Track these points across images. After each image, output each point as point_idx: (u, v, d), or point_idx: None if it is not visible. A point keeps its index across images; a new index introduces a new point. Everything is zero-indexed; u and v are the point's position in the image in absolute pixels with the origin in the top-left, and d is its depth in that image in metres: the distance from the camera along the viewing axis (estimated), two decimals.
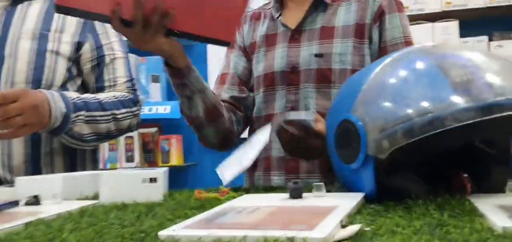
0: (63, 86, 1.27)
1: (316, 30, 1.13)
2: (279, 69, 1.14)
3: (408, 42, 1.12)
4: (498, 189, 0.72)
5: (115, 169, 3.08)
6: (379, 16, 1.12)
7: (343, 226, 0.51)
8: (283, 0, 1.20)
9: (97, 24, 1.31)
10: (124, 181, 0.82)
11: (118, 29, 0.90)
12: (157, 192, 0.82)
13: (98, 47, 1.31)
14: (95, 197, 0.89)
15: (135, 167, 3.09)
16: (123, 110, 1.26)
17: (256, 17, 1.25)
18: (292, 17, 1.16)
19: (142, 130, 3.13)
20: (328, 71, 1.10)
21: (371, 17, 1.12)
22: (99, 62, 1.31)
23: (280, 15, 1.18)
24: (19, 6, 1.31)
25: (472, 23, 2.61)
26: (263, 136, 0.95)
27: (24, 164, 1.25)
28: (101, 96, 1.25)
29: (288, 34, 1.15)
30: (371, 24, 1.12)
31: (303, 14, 1.14)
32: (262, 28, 1.21)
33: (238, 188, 1.00)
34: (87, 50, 1.30)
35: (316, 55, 1.11)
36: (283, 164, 1.12)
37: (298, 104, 1.12)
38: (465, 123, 0.57)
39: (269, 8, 1.22)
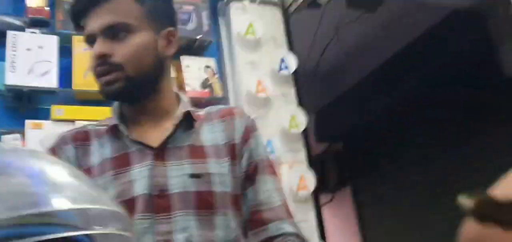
0: None
1: (183, 148, 0.99)
2: (141, 193, 0.93)
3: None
4: None
5: None
6: (246, 138, 1.06)
7: None
8: (126, 117, 1.03)
9: None
10: None
11: None
12: None
13: None
14: None
15: None
16: None
17: (82, 138, 1.03)
18: (150, 135, 1.00)
19: None
20: (208, 195, 0.96)
21: (239, 137, 1.06)
22: None
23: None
24: None
25: None
26: None
27: None
28: None
29: (147, 153, 0.97)
30: (240, 145, 1.05)
31: (168, 132, 0.99)
32: (102, 150, 1.00)
33: None
34: None
35: (193, 176, 0.96)
36: None
37: (172, 237, 0.92)
38: None
39: (102, 126, 1.03)
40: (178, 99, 1.08)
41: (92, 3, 0.97)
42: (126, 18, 0.97)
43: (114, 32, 0.96)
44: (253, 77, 1.99)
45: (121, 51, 0.96)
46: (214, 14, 2.13)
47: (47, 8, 1.68)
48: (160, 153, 0.99)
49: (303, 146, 2.02)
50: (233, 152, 1.04)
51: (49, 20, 1.68)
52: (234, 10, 2.11)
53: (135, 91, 0.99)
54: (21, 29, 1.63)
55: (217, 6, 2.15)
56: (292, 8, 2.34)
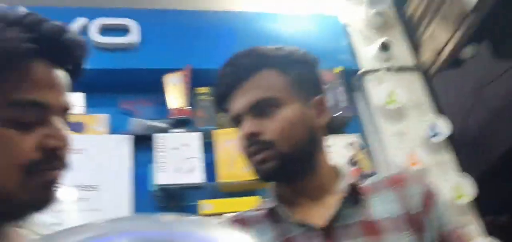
0: None
1: (354, 226, 0.88)
2: None
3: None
4: None
5: None
6: (428, 207, 0.90)
7: None
8: (284, 198, 0.94)
9: None
10: None
11: None
12: None
13: None
14: None
15: None
16: None
17: (255, 221, 0.96)
18: (313, 215, 0.91)
19: None
20: None
21: (419, 206, 0.90)
22: None
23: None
24: None
25: None
26: None
27: None
28: None
29: (314, 236, 0.88)
30: (421, 214, 0.89)
31: (333, 209, 0.89)
32: (263, 237, 0.91)
33: None
34: None
35: None
36: None
37: None
38: None
39: (259, 211, 0.96)
40: (336, 172, 0.96)
41: (235, 82, 0.92)
42: (272, 92, 0.91)
43: (262, 108, 0.90)
44: (402, 148, 1.81)
45: (271, 127, 0.89)
46: (348, 90, 2.03)
47: (187, 108, 1.72)
48: (329, 233, 0.87)
49: (475, 217, 1.73)
50: (413, 223, 0.88)
51: (191, 118, 1.71)
52: (370, 82, 1.99)
53: (290, 168, 0.90)
54: (165, 131, 1.67)
55: (351, 81, 2.05)
56: (432, 70, 2.15)
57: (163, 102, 1.75)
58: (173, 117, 1.69)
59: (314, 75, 0.99)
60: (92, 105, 1.75)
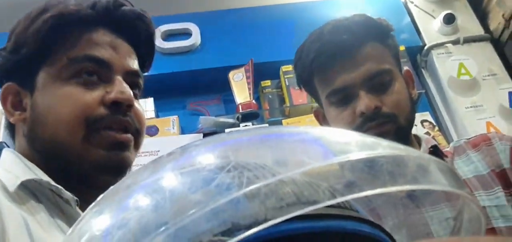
0: None
1: None
2: None
3: None
4: None
5: None
6: None
7: None
8: None
9: None
10: None
11: None
12: None
13: None
14: None
15: None
16: None
17: None
18: None
19: None
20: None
21: (508, 161, 0.85)
22: None
23: None
24: None
25: None
26: None
27: None
28: None
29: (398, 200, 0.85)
30: (510, 169, 0.84)
31: None
32: None
33: None
34: None
35: None
36: None
37: None
38: None
39: None
40: (418, 141, 0.94)
41: (342, 52, 0.85)
42: (386, 65, 0.86)
43: (377, 81, 0.85)
44: (478, 121, 1.72)
45: (390, 100, 0.84)
46: (414, 68, 1.96)
47: (253, 101, 1.74)
48: (413, 197, 0.85)
49: None
50: (504, 179, 0.83)
51: (258, 111, 1.73)
52: (438, 57, 1.92)
53: (403, 141, 0.87)
54: (234, 125, 1.70)
55: (416, 59, 1.99)
56: (503, 38, 2.04)
57: (230, 99, 1.78)
58: (241, 112, 1.72)
59: (397, 45, 0.96)
60: (162, 109, 1.82)
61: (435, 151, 0.89)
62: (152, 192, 0.26)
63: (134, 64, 0.70)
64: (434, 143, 0.91)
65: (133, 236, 0.23)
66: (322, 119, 0.96)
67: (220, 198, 0.22)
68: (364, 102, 0.83)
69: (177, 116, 1.75)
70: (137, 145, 0.68)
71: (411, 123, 0.88)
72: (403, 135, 0.86)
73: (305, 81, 0.94)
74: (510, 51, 2.04)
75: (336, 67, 0.85)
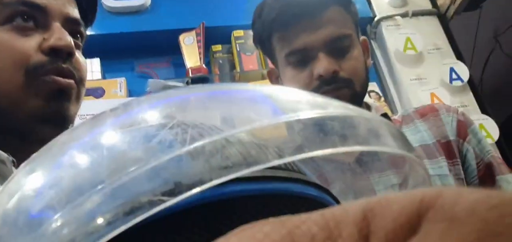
0: None
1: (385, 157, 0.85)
2: None
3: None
4: None
5: None
6: (463, 135, 0.89)
7: None
8: None
9: None
10: None
11: None
12: None
13: None
14: None
15: None
16: None
17: None
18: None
19: None
20: None
21: (453, 133, 0.88)
22: None
23: None
24: None
25: None
26: None
27: None
28: None
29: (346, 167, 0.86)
30: (456, 142, 0.87)
31: None
32: None
33: None
34: None
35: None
36: None
37: None
38: None
39: None
40: (368, 108, 0.95)
41: (305, 13, 0.84)
42: (347, 30, 0.87)
43: (337, 45, 0.85)
44: (423, 92, 1.78)
45: (347, 66, 0.85)
46: None
47: (203, 66, 1.71)
48: (361, 164, 0.87)
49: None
50: (448, 150, 0.86)
51: (208, 75, 1.70)
52: (387, 29, 1.95)
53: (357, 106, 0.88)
54: None
55: (366, 30, 2.02)
56: (449, 14, 2.10)
57: (179, 63, 1.74)
58: (190, 76, 1.69)
59: (358, 15, 0.96)
60: (109, 71, 1.75)
61: (385, 118, 0.91)
62: (88, 149, 0.24)
63: (74, 12, 0.67)
64: (384, 111, 0.93)
65: (66, 195, 0.21)
66: (275, 80, 0.95)
67: (161, 155, 0.20)
68: (323, 65, 0.83)
69: (124, 78, 1.70)
70: (78, 96, 0.65)
71: (365, 90, 0.90)
72: (358, 101, 0.87)
73: (263, 40, 0.93)
74: (455, 27, 2.11)
75: (298, 26, 0.85)
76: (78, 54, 0.65)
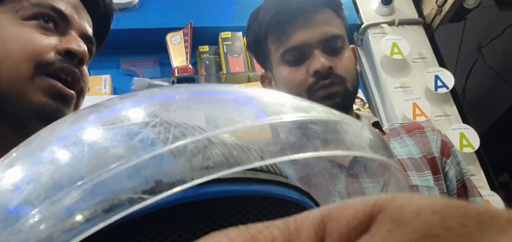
0: None
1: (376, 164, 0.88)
2: None
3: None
4: None
5: None
6: (446, 154, 0.93)
7: None
8: None
9: None
10: None
11: None
12: None
13: None
14: None
15: None
16: None
17: None
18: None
19: None
20: None
21: (438, 151, 0.93)
22: None
23: None
24: None
25: None
26: None
27: None
28: None
29: (339, 171, 0.90)
30: (439, 159, 0.92)
31: None
32: None
33: None
34: None
35: None
36: None
37: None
38: None
39: None
40: (358, 117, 0.98)
41: (301, 12, 0.88)
42: (341, 31, 0.91)
43: (332, 44, 0.89)
44: (406, 100, 1.80)
45: (341, 64, 0.88)
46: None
47: (190, 66, 1.71)
48: (353, 170, 0.88)
49: (481, 168, 1.74)
50: (433, 166, 0.89)
51: (194, 76, 1.70)
52: (373, 36, 1.97)
53: (347, 107, 0.91)
54: None
55: (353, 37, 2.03)
56: (434, 24, 2.13)
57: (166, 62, 1.73)
58: (176, 76, 1.68)
59: (347, 22, 0.99)
60: (94, 67, 1.73)
61: (377, 126, 0.93)
62: (69, 145, 0.24)
63: (90, 31, 0.71)
64: (376, 119, 0.95)
65: (45, 191, 0.21)
66: (268, 85, 0.97)
67: (143, 153, 0.20)
68: (320, 60, 0.86)
69: (109, 75, 1.68)
70: (77, 106, 0.67)
71: (356, 91, 0.93)
72: (349, 100, 0.90)
73: (259, 40, 0.95)
74: (440, 37, 2.14)
75: (294, 25, 0.88)
76: (85, 67, 0.69)
